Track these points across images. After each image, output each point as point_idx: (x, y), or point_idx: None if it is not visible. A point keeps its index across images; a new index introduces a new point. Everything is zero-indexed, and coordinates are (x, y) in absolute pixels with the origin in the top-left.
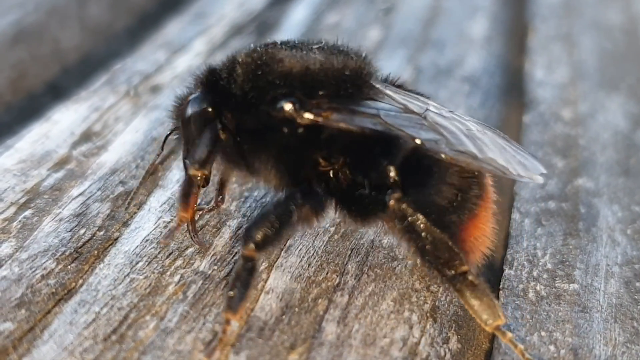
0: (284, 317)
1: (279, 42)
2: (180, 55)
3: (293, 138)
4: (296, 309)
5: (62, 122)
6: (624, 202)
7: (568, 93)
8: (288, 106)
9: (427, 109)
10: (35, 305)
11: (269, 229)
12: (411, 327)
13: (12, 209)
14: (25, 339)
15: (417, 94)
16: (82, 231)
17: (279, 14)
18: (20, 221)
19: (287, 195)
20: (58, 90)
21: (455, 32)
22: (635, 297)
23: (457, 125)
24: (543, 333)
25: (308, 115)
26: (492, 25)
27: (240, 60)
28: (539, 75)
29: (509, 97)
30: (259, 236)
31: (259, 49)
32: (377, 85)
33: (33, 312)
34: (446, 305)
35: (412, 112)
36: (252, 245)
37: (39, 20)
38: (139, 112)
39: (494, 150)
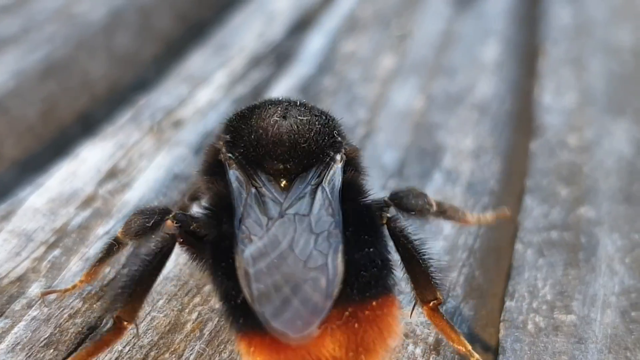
0: None
1: None
2: (202, 89)
3: None
4: None
5: (90, 160)
6: (624, 230)
7: (575, 119)
8: None
9: None
10: (63, 344)
11: None
12: None
13: (42, 249)
14: None
15: None
16: (107, 270)
17: (297, 44)
18: (49, 261)
19: None
20: (87, 119)
21: (467, 58)
22: (630, 326)
23: None
24: None
25: None
26: (505, 49)
27: None
28: (547, 100)
29: (518, 123)
30: None
31: None
32: None
33: (60, 351)
34: None
35: None
36: None
37: (67, 53)
38: (162, 148)
39: None
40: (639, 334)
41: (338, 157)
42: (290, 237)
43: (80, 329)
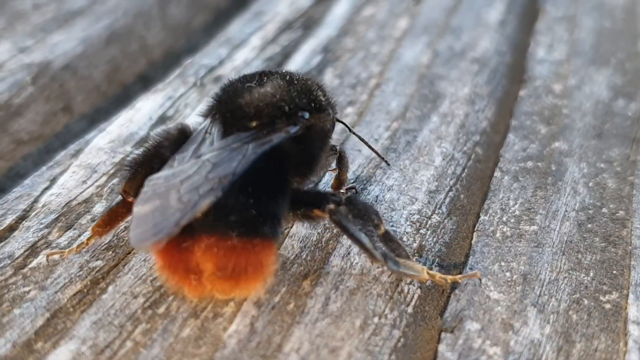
0: (302, 254)
1: None
2: (239, 50)
3: None
4: (312, 248)
5: (143, 109)
6: (592, 160)
7: (562, 69)
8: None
9: None
10: (119, 248)
11: None
12: None
13: (104, 178)
14: (111, 272)
15: None
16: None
17: (324, 10)
18: (109, 187)
19: None
20: (146, 80)
21: (474, 19)
22: (584, 235)
23: None
24: (502, 263)
25: None
26: (508, 9)
27: None
28: (540, 54)
29: (513, 75)
30: None
31: None
32: None
33: (118, 253)
34: (432, 244)
35: None
36: None
37: (127, 22)
38: (203, 99)
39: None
40: (591, 242)
41: (284, 127)
42: (188, 175)
43: None
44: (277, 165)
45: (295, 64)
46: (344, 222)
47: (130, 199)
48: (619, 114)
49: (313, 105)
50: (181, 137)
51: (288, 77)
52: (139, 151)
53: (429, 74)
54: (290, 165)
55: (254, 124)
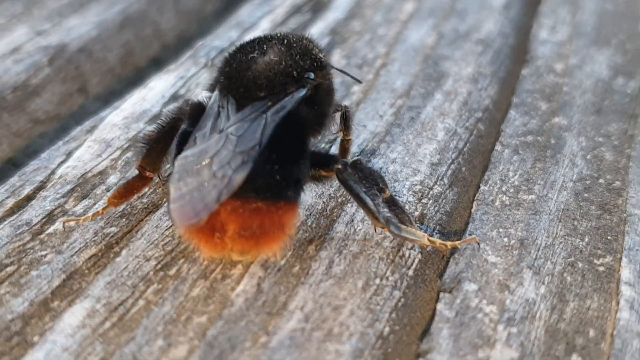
0: (307, 221)
1: None
2: (248, 32)
3: None
4: (317, 216)
5: (156, 88)
6: (590, 135)
7: (564, 49)
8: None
9: None
10: (133, 216)
11: None
12: None
13: (118, 152)
14: (125, 238)
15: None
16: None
17: None
18: (123, 160)
19: None
20: (159, 63)
21: (479, 2)
22: (581, 204)
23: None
24: (501, 229)
25: None
26: None
27: None
28: (543, 35)
29: (517, 55)
30: None
31: None
32: None
33: (131, 220)
34: (433, 213)
35: None
36: None
37: (141, 7)
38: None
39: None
40: (587, 209)
41: (294, 91)
42: (216, 150)
43: (146, 206)
44: (295, 129)
45: None
46: (350, 181)
47: (147, 174)
48: (618, 92)
49: (315, 64)
50: (194, 113)
51: (285, 40)
52: (152, 128)
53: (434, 55)
54: (306, 127)
55: (266, 92)
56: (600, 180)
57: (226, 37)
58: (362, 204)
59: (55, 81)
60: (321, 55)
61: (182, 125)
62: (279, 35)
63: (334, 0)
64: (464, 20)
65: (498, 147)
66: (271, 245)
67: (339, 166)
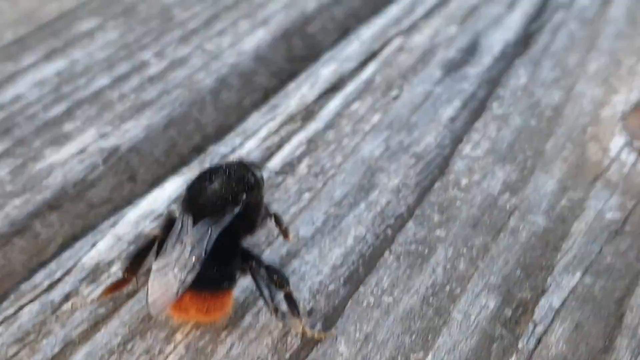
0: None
1: None
2: (248, 140)
3: None
4: (238, 307)
5: (167, 189)
6: (458, 246)
7: (475, 165)
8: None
9: None
10: (117, 300)
11: None
12: None
13: (125, 245)
14: (107, 317)
15: None
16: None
17: (323, 103)
18: (126, 252)
19: None
20: (200, 150)
21: (431, 115)
22: (423, 307)
23: None
24: (358, 325)
25: None
26: (463, 105)
27: None
28: (467, 150)
29: (447, 166)
30: None
31: None
32: None
33: (116, 303)
34: (321, 307)
35: None
36: None
37: (183, 110)
38: None
39: None
40: (426, 312)
41: (233, 210)
42: (177, 257)
43: (128, 293)
44: (229, 237)
45: (282, 155)
46: (257, 277)
47: (128, 277)
48: (498, 207)
49: (248, 187)
50: (168, 225)
51: (227, 170)
52: (139, 243)
53: (374, 166)
54: (239, 234)
55: (211, 212)
56: (446, 288)
57: (230, 143)
58: (262, 295)
59: (109, 175)
60: (252, 180)
61: (159, 236)
62: (224, 166)
63: (323, 109)
64: (411, 133)
65: (386, 253)
66: (217, 317)
67: (253, 265)
